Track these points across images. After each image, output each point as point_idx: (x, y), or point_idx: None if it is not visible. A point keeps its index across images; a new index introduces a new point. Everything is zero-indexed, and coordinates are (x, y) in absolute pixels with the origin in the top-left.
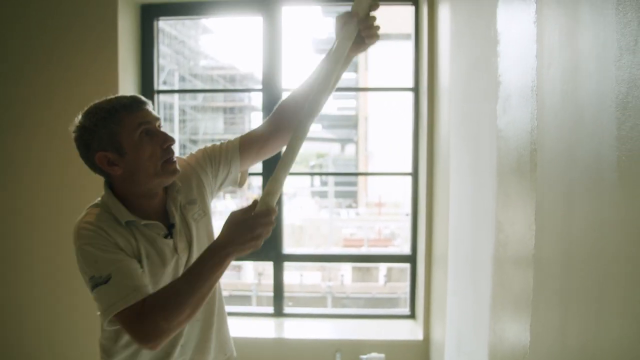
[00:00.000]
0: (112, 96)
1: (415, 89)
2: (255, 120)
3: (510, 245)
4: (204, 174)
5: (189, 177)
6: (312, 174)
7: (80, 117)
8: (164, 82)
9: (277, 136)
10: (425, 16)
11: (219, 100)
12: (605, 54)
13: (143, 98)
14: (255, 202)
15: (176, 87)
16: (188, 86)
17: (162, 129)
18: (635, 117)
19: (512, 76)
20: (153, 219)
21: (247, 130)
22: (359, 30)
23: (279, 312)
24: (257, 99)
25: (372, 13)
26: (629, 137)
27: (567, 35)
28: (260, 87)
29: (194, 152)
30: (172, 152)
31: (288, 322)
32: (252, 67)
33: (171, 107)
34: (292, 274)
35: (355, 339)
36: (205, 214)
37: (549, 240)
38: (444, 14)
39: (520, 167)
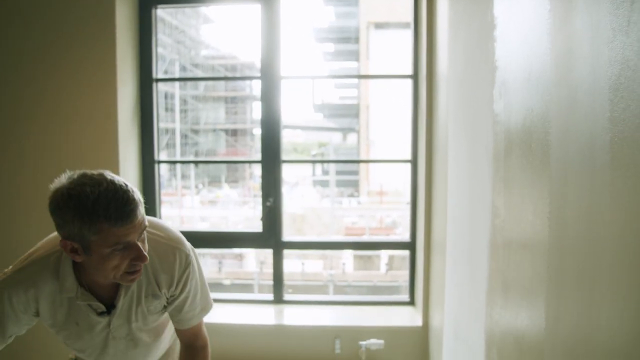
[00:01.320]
0: (104, 185)
1: (415, 77)
2: (256, 110)
3: (506, 231)
4: (171, 296)
5: (171, 279)
6: (313, 162)
7: (62, 185)
8: (165, 72)
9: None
10: (425, 4)
11: (220, 89)
12: (599, 35)
13: (134, 207)
14: None
15: (177, 77)
16: (189, 76)
17: (140, 245)
18: (628, 99)
19: (508, 61)
20: (100, 290)
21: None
22: None
23: (278, 299)
24: (257, 88)
25: None
26: (621, 119)
27: (562, 17)
28: (258, 75)
29: (191, 275)
30: (139, 267)
31: (288, 309)
32: (253, 56)
33: (172, 96)
34: (294, 262)
35: (355, 325)
36: (161, 309)
37: (542, 225)
38: (442, 1)
39: (515, 152)
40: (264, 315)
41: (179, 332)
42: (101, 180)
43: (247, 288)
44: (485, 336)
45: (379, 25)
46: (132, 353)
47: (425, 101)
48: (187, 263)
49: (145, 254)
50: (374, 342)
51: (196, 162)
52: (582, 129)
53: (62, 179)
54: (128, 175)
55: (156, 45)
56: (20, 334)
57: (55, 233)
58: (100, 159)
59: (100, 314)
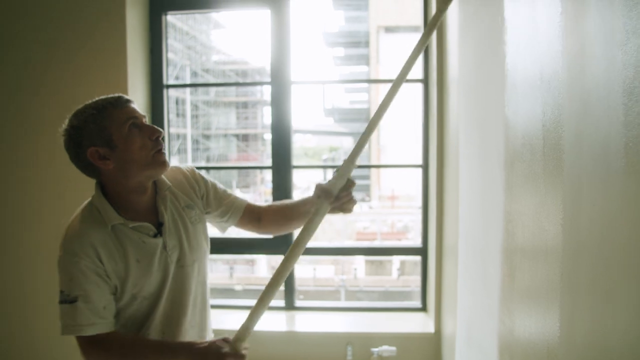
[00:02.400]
0: (97, 98)
1: (425, 81)
2: (267, 115)
3: (519, 236)
4: (202, 200)
5: (190, 186)
6: (324, 167)
7: (67, 120)
8: (176, 78)
9: (267, 232)
10: (434, 7)
11: (231, 95)
12: (612, 38)
13: (127, 96)
14: (227, 339)
15: (187, 82)
16: (200, 81)
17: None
18: None
19: (519, 64)
20: (142, 218)
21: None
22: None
23: (290, 305)
24: (267, 93)
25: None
26: (636, 123)
27: (573, 20)
28: (269, 80)
29: (201, 174)
30: (162, 144)
31: (299, 315)
32: (263, 61)
33: (183, 102)
34: (306, 268)
35: (367, 332)
36: (202, 220)
37: (556, 230)
38: (452, 3)
39: (528, 156)
40: (275, 322)
41: (248, 217)
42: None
43: (258, 294)
44: (498, 343)
45: (389, 29)
46: (188, 285)
47: (436, 105)
48: (190, 167)
49: (157, 127)
50: (386, 349)
51: (207, 168)
52: (595, 134)
53: (64, 123)
54: None
55: (167, 51)
56: (113, 312)
57: (75, 212)
58: None
59: (154, 236)
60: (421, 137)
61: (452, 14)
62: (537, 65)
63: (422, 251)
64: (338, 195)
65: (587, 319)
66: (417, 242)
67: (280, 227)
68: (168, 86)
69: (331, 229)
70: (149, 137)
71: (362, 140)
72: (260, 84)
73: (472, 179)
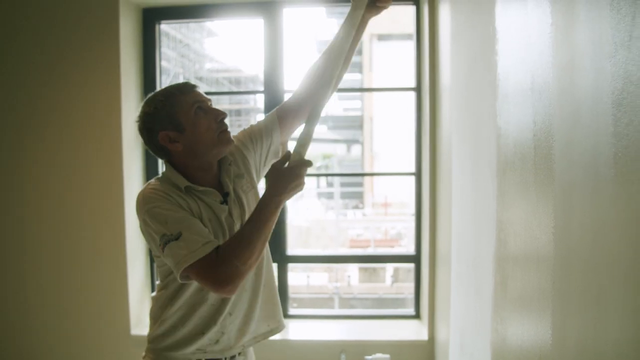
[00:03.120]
0: (167, 85)
1: (418, 89)
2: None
3: (510, 245)
4: (248, 152)
5: (235, 155)
6: (317, 175)
7: (140, 107)
8: None
9: (308, 101)
10: (426, 15)
11: (224, 102)
12: (601, 50)
13: (193, 82)
14: (288, 153)
15: None
16: None
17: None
18: (631, 114)
19: (511, 73)
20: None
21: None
22: None
23: (283, 314)
24: (261, 101)
25: None
26: (625, 134)
27: (563, 31)
28: (262, 89)
29: (236, 134)
30: (226, 125)
31: (292, 323)
32: (256, 69)
33: None
34: (299, 275)
35: (360, 339)
36: (253, 187)
37: (548, 239)
38: (444, 12)
39: (519, 165)
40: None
41: (292, 105)
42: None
43: None
44: (491, 350)
45: (381, 37)
46: None
47: (429, 113)
48: (237, 135)
49: (223, 110)
50: (380, 357)
51: None
52: (585, 144)
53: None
54: (132, 190)
55: (160, 60)
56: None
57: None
58: (104, 174)
59: (221, 203)
60: (414, 145)
61: (445, 22)
62: (528, 75)
63: (416, 259)
64: None
65: (579, 326)
66: (410, 249)
67: (328, 63)
68: None
69: (324, 236)
70: (214, 119)
71: None
72: (254, 92)
73: (465, 187)
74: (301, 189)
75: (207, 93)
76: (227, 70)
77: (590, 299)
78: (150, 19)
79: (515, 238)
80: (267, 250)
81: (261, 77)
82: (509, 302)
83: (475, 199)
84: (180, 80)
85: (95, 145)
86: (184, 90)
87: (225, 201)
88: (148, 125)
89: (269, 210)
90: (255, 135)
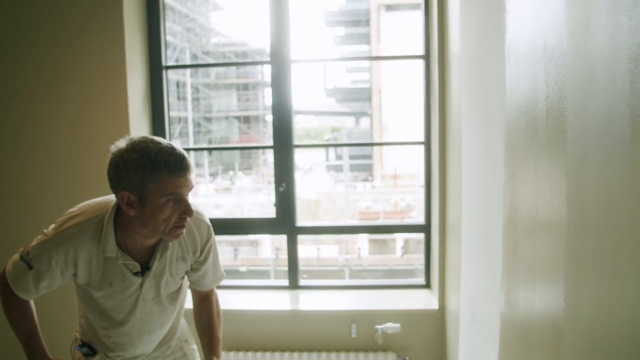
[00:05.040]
0: (164, 144)
1: (426, 57)
2: (268, 96)
3: (521, 211)
4: (196, 261)
5: (197, 245)
6: (326, 146)
7: (125, 145)
8: (176, 60)
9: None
10: None
11: (232, 77)
12: (618, 3)
13: (189, 162)
14: None
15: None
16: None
17: (189, 200)
18: None
19: (521, 35)
20: (136, 253)
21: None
22: None
23: (294, 285)
24: (268, 74)
25: None
26: None
27: None
28: (269, 59)
29: (213, 243)
30: (185, 223)
31: (303, 294)
32: (263, 42)
33: (184, 85)
34: (309, 248)
35: (371, 309)
36: (184, 272)
37: (560, 203)
38: None
39: (530, 129)
40: (279, 301)
41: (200, 293)
42: (160, 141)
43: (263, 274)
44: (502, 318)
45: (389, 7)
46: (154, 318)
47: (438, 81)
48: (209, 233)
49: (192, 209)
50: (391, 326)
51: (209, 150)
52: (600, 103)
53: (121, 142)
54: None
55: (164, 33)
56: (51, 290)
57: (95, 200)
58: (106, 155)
59: (135, 274)
60: (423, 114)
61: None
62: (540, 36)
63: (426, 228)
64: None
65: (593, 291)
66: (420, 219)
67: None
68: (167, 67)
69: (333, 208)
70: (179, 214)
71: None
72: (261, 63)
73: (475, 155)
74: None
75: (213, 65)
76: (234, 44)
77: (604, 263)
78: None
79: (526, 204)
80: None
81: (267, 50)
82: (520, 269)
83: (486, 166)
84: (186, 54)
85: (101, 121)
86: (173, 173)
87: (141, 273)
88: (117, 172)
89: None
90: (206, 259)
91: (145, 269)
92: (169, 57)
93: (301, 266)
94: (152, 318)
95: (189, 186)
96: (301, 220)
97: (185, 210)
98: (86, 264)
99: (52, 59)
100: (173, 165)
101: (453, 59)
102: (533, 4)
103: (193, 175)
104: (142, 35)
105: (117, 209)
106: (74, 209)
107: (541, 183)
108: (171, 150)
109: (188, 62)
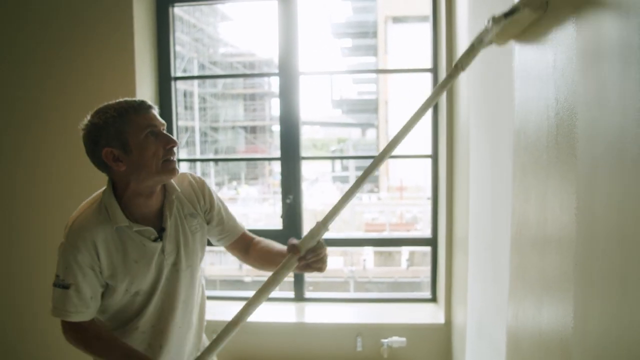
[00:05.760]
0: (121, 99)
1: (434, 70)
2: (275, 107)
3: (530, 226)
4: (204, 213)
5: (196, 196)
6: (332, 158)
7: (89, 116)
8: (184, 70)
9: (249, 264)
10: None
11: (239, 87)
12: (629, 20)
13: (150, 102)
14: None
15: (195, 75)
16: (208, 74)
17: (167, 134)
18: None
19: (530, 51)
20: (147, 221)
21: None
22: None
23: (299, 297)
24: (275, 84)
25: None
26: None
27: (587, 3)
28: (276, 71)
29: (211, 189)
30: (174, 154)
31: (309, 307)
32: (271, 52)
33: (191, 95)
34: None
35: (377, 323)
36: (202, 228)
37: (570, 220)
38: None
39: (541, 144)
40: (285, 313)
41: (238, 244)
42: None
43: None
44: (510, 334)
45: (397, 19)
46: (179, 285)
47: (446, 94)
48: (200, 179)
49: (174, 138)
50: (396, 340)
51: (215, 160)
52: (610, 122)
53: (84, 120)
54: None
55: (174, 44)
56: (98, 303)
57: (84, 202)
58: None
59: (154, 240)
60: (430, 127)
61: (462, 1)
62: (549, 52)
63: (432, 242)
64: (305, 255)
65: (602, 310)
66: (426, 232)
67: (260, 266)
68: (176, 78)
69: (339, 219)
70: (164, 145)
71: (344, 197)
72: (268, 75)
73: (483, 169)
74: None
75: (221, 76)
76: (242, 54)
77: (614, 281)
78: (163, 2)
79: (535, 219)
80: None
81: (275, 61)
82: (528, 285)
83: (494, 180)
84: (194, 65)
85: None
86: (139, 110)
87: (159, 237)
88: (93, 137)
89: None
90: (220, 218)
91: (160, 232)
92: (177, 67)
93: (306, 277)
94: (176, 286)
95: (159, 121)
96: (305, 231)
97: (167, 140)
98: (105, 249)
99: (62, 68)
100: (136, 105)
101: (461, 73)
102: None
103: (159, 115)
104: (151, 46)
105: (112, 188)
106: (73, 214)
107: (550, 199)
108: (128, 99)
109: (196, 72)
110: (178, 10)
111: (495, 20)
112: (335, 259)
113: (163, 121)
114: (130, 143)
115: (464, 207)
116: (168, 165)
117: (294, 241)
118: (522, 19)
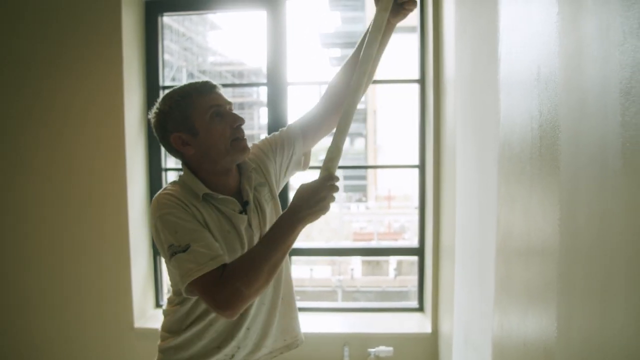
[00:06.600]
0: (186, 82)
1: (421, 81)
2: (264, 115)
3: (515, 237)
4: (269, 160)
5: (258, 162)
6: (320, 168)
7: (157, 103)
8: (173, 79)
9: (332, 116)
10: (431, 7)
11: (228, 96)
12: (609, 38)
13: (214, 82)
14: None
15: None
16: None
17: (234, 112)
18: (639, 103)
19: (515, 64)
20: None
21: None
22: None
23: None
24: (264, 94)
25: None
26: (633, 123)
27: (570, 19)
28: (265, 81)
29: (257, 142)
30: (242, 132)
31: None
32: (260, 62)
33: None
34: (302, 268)
35: (364, 332)
36: (274, 197)
37: (553, 231)
38: (448, 4)
39: (524, 156)
40: None
41: (317, 115)
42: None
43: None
44: (495, 343)
45: None
46: None
47: (433, 105)
48: (260, 141)
49: (240, 116)
50: (383, 350)
51: None
52: (592, 134)
53: (154, 108)
54: (135, 183)
55: (162, 53)
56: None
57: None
58: (107, 166)
59: (240, 212)
60: (418, 137)
61: (449, 13)
62: (534, 65)
63: (419, 251)
64: None
65: (585, 318)
66: (413, 242)
67: (349, 91)
68: (164, 87)
69: (327, 229)
70: (230, 125)
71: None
72: (257, 85)
73: (469, 179)
74: (325, 211)
75: None
76: (230, 63)
77: (596, 291)
78: (152, 11)
79: (519, 230)
80: (286, 262)
81: (264, 70)
82: (513, 295)
83: (480, 191)
84: (183, 73)
85: (97, 138)
86: (202, 91)
87: (244, 210)
88: (162, 124)
89: (287, 228)
90: (276, 143)
91: (244, 205)
92: (165, 76)
93: (294, 287)
94: None
95: (224, 99)
96: (296, 242)
97: (234, 118)
98: (203, 210)
99: (49, 77)
100: (200, 86)
101: (448, 84)
102: (527, 34)
103: (224, 94)
104: (140, 55)
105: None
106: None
107: (534, 210)
108: (193, 81)
109: (185, 81)
110: (167, 19)
111: None
112: (323, 268)
113: (229, 100)
114: (197, 125)
115: (450, 216)
116: (238, 144)
117: None
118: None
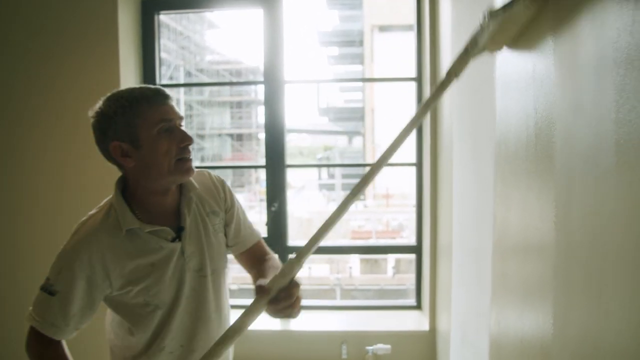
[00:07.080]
0: (136, 86)
1: (418, 79)
2: (261, 114)
3: (511, 235)
4: (226, 210)
5: (217, 194)
6: (319, 166)
7: (100, 102)
8: (170, 78)
9: (248, 269)
10: (427, 5)
11: (225, 94)
12: (603, 35)
13: (167, 92)
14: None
15: (181, 82)
16: (194, 81)
17: (183, 129)
18: (634, 100)
19: (511, 62)
20: (162, 221)
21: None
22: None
23: None
24: (261, 92)
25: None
26: (627, 120)
27: (565, 17)
28: (262, 80)
29: (226, 185)
30: (189, 152)
31: None
32: (257, 60)
33: (177, 102)
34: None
35: (362, 330)
36: (222, 229)
37: (549, 229)
38: (445, 2)
39: (520, 154)
40: (270, 321)
41: (248, 255)
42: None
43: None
44: (492, 340)
45: (383, 28)
46: (207, 295)
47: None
48: (220, 179)
49: (189, 135)
50: (381, 347)
51: (202, 168)
52: (587, 132)
53: (96, 105)
54: None
55: (159, 51)
56: (79, 323)
57: (98, 205)
58: (103, 167)
59: (172, 240)
60: (415, 136)
61: (445, 11)
62: (529, 64)
63: (417, 249)
64: (277, 296)
65: (581, 316)
66: (411, 240)
67: None
68: (162, 86)
69: None
70: (178, 143)
71: (322, 229)
72: (254, 83)
73: (466, 177)
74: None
75: (207, 84)
76: (228, 62)
77: (592, 288)
78: (149, 10)
79: (516, 228)
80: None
81: (261, 68)
82: (510, 293)
83: (477, 189)
84: (181, 72)
85: (93, 138)
86: (154, 101)
87: (178, 237)
88: (102, 128)
89: None
90: (237, 222)
91: (179, 232)
92: (163, 75)
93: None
94: (205, 295)
95: (175, 114)
96: (293, 240)
97: (182, 137)
98: (115, 257)
99: (46, 75)
100: (150, 94)
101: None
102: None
103: (176, 106)
104: (136, 53)
105: (124, 183)
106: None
107: (530, 208)
108: (144, 86)
109: (182, 79)
110: (164, 18)
111: (492, 14)
112: (321, 266)
113: (180, 114)
114: (141, 138)
115: (447, 215)
116: (182, 165)
117: (263, 281)
118: (518, 15)
